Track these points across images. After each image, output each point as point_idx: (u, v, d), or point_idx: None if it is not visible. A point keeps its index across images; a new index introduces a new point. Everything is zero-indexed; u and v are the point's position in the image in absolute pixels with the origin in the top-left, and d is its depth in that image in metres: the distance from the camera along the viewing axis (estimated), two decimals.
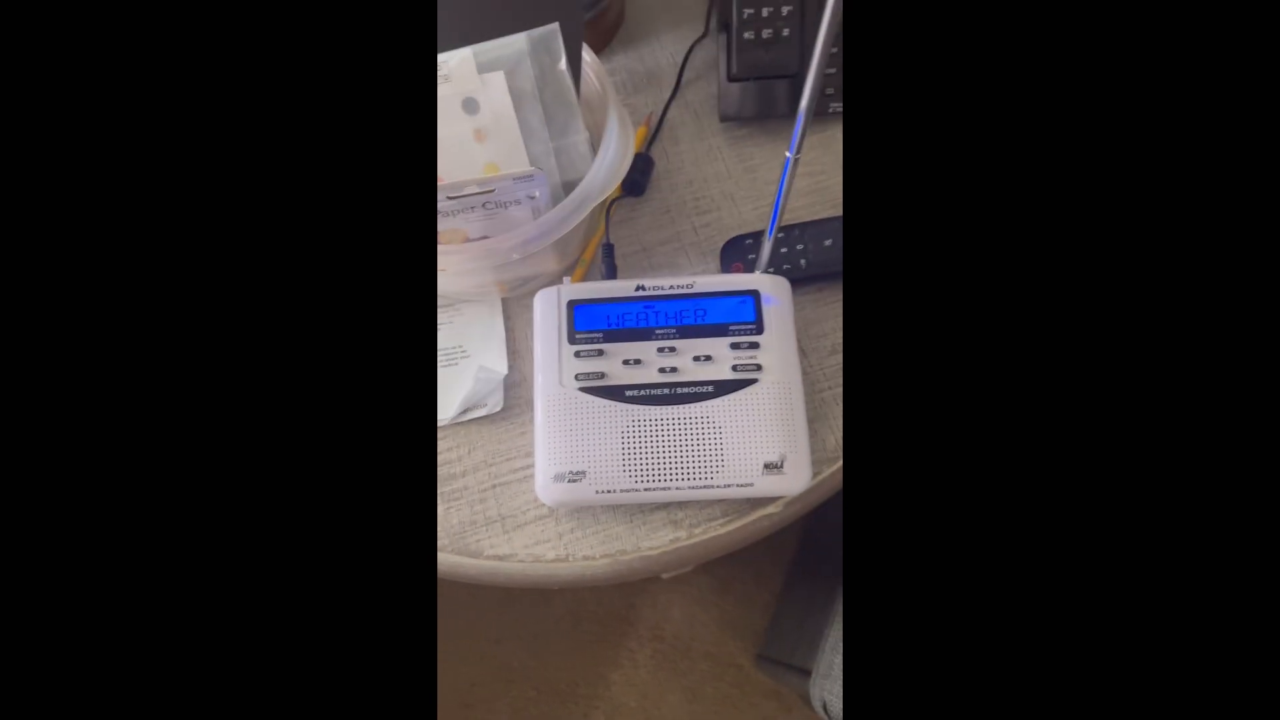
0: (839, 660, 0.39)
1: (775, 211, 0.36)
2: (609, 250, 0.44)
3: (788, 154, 0.31)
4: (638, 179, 0.48)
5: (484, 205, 0.37)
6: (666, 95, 0.53)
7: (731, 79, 0.49)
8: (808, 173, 0.50)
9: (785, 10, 0.47)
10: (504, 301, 0.45)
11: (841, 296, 0.45)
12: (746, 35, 0.47)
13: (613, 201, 0.48)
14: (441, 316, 0.45)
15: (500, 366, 0.43)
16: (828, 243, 0.44)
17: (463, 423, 0.42)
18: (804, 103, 0.29)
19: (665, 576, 0.93)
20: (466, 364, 0.43)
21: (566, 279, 0.42)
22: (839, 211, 0.47)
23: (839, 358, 0.44)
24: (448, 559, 0.39)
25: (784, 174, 0.33)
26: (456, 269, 0.39)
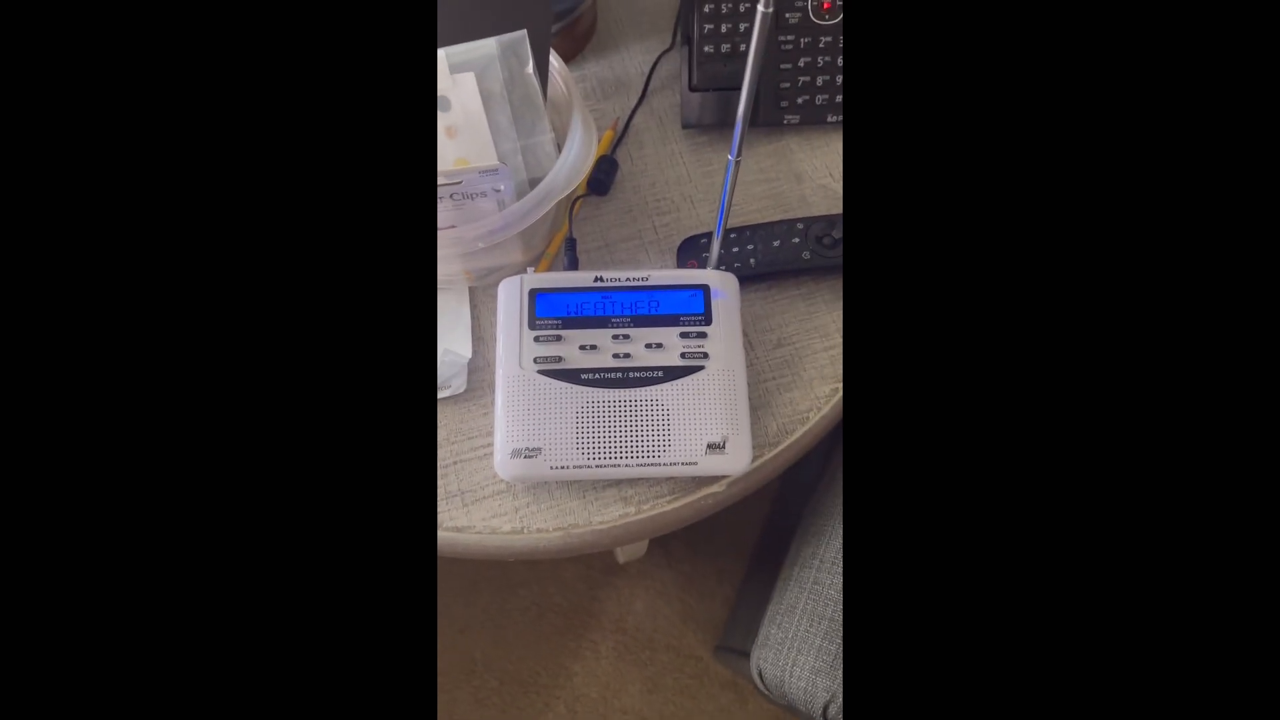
0: (775, 630, 0.42)
1: (722, 210, 0.39)
2: (571, 244, 0.47)
3: (730, 156, 0.35)
4: (602, 179, 0.51)
5: (451, 196, 0.40)
6: (633, 102, 0.56)
7: (692, 89, 0.52)
8: (763, 179, 0.53)
9: (743, 27, 0.50)
10: (471, 290, 0.48)
11: (789, 294, 0.48)
12: (707, 49, 0.50)
13: (578, 199, 0.50)
14: None
15: (465, 350, 0.45)
16: (776, 244, 0.47)
17: None
18: (741, 109, 0.32)
19: (621, 560, 0.95)
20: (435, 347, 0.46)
21: (530, 269, 0.45)
22: (789, 215, 0.50)
23: (784, 350, 0.47)
24: None
25: (727, 175, 0.36)
26: None
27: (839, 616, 0.39)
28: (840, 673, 0.37)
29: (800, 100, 0.53)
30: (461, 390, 0.44)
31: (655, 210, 0.52)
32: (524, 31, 0.41)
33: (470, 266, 0.46)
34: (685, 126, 0.54)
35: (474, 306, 0.47)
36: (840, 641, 0.38)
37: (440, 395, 0.44)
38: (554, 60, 0.46)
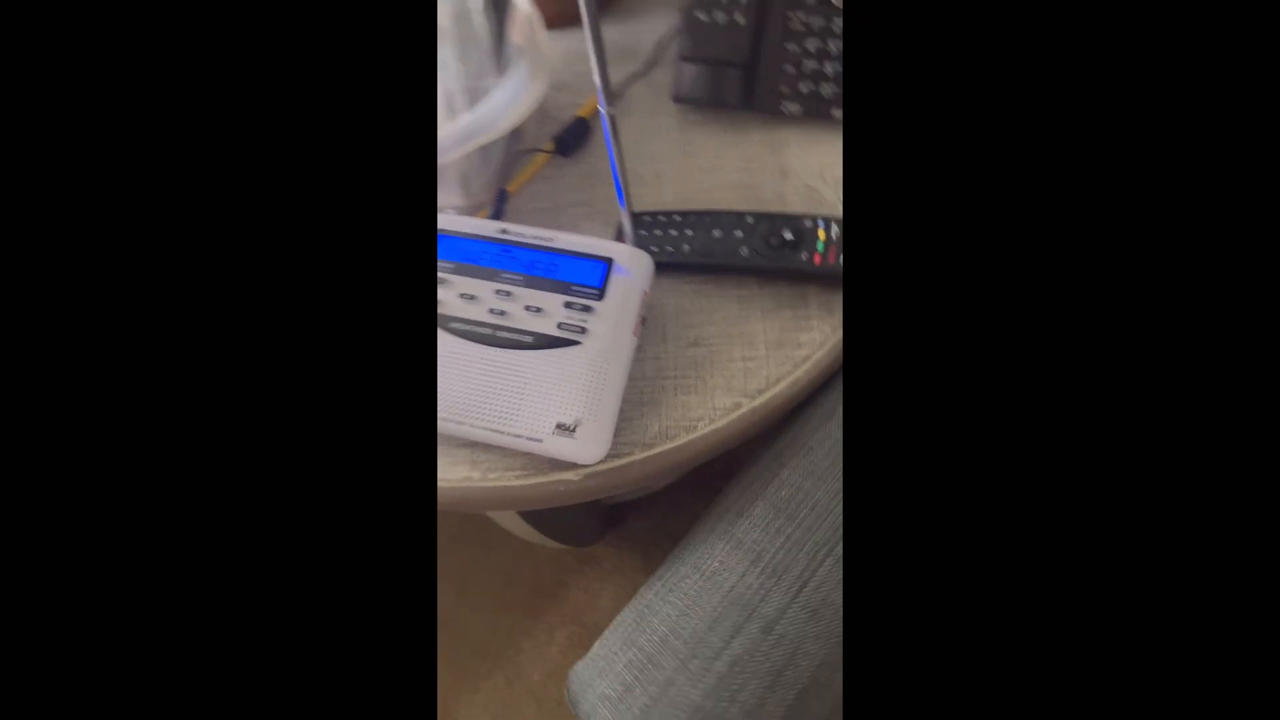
0: (599, 644, 0.38)
1: (616, 179, 0.35)
2: (502, 195, 0.45)
3: (600, 109, 0.31)
4: (568, 140, 0.49)
5: None
6: (632, 70, 0.53)
7: (682, 59, 0.48)
8: (744, 168, 0.48)
9: None
10: None
11: (725, 293, 0.43)
12: (699, 15, 0.46)
13: (531, 152, 0.48)
14: None
15: None
16: (716, 234, 0.43)
17: None
18: (592, 58, 0.29)
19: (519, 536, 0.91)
20: None
21: (452, 212, 0.43)
22: (762, 209, 0.45)
23: (697, 351, 0.42)
24: None
25: (605, 131, 0.32)
26: None
27: (651, 648, 0.34)
28: (625, 706, 0.33)
29: (804, 89, 0.47)
30: None
31: None
32: None
33: None
34: (675, 99, 0.50)
35: None
36: (637, 674, 0.33)
37: None
38: (524, 5, 0.44)
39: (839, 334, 0.42)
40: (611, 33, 0.56)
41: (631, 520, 0.97)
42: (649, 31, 0.56)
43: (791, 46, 0.46)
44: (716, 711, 0.31)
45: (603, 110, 0.31)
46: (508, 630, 0.93)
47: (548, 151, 0.49)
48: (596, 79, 0.30)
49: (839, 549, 0.35)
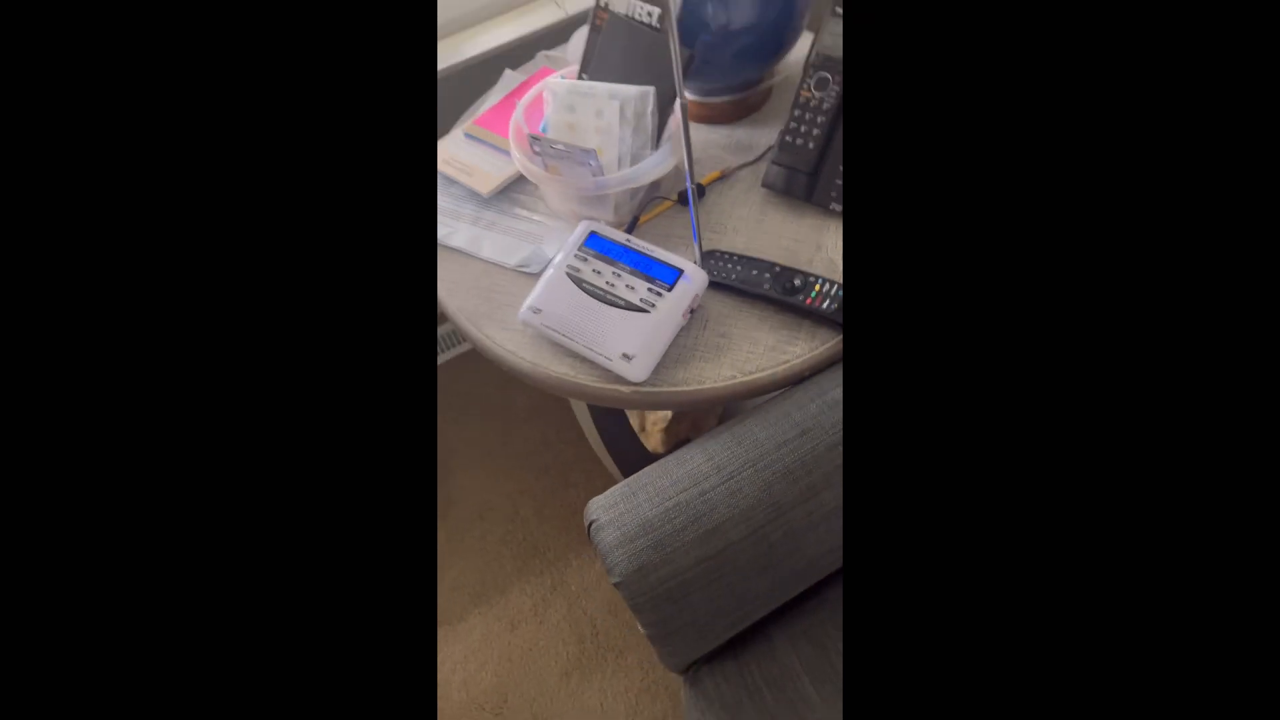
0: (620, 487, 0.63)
1: (694, 225, 0.61)
2: (634, 220, 0.73)
3: (688, 183, 0.57)
4: (687, 196, 0.76)
5: (565, 159, 0.68)
6: (745, 160, 0.79)
7: (773, 162, 0.73)
8: (792, 238, 0.72)
9: (815, 132, 0.70)
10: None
11: (750, 311, 0.68)
12: (787, 138, 0.72)
13: (661, 198, 0.76)
14: (542, 217, 0.78)
15: (550, 252, 0.74)
16: (753, 272, 0.67)
17: (515, 271, 0.74)
18: (685, 158, 0.55)
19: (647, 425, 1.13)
20: (536, 244, 0.75)
21: (602, 223, 0.72)
22: (792, 265, 0.69)
23: (720, 340, 0.66)
24: (462, 323, 0.72)
25: (689, 196, 0.58)
26: (550, 189, 0.71)
27: (634, 486, 0.59)
28: (617, 510, 0.58)
29: None
30: (536, 272, 0.73)
31: (711, 229, 0.75)
32: (652, 88, 0.68)
33: (579, 210, 0.75)
34: (764, 185, 0.75)
35: (572, 233, 0.76)
36: (620, 498, 0.58)
37: (523, 270, 0.74)
38: (679, 111, 0.72)
39: (814, 353, 0.65)
40: (741, 132, 0.82)
41: None
42: (765, 137, 0.81)
43: (842, 167, 0.70)
44: (656, 524, 0.56)
45: (689, 186, 0.57)
46: (564, 547, 1.20)
47: (671, 201, 0.76)
48: (686, 167, 0.56)
49: (760, 463, 0.57)
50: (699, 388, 0.64)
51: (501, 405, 1.33)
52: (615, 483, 1.13)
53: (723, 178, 0.78)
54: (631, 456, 1.05)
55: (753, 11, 0.70)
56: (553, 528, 1.21)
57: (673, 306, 0.64)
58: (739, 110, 0.83)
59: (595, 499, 0.62)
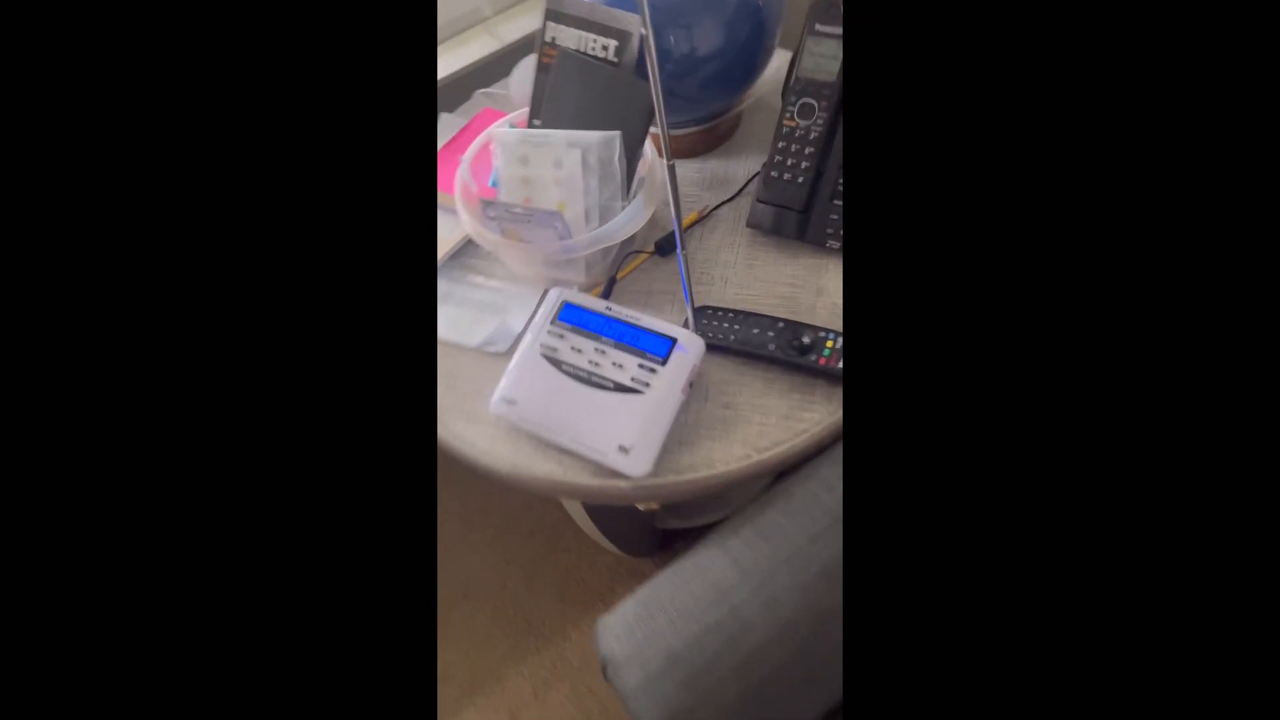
0: (631, 597, 0.54)
1: (684, 287, 0.53)
2: (612, 281, 0.64)
3: (677, 251, 0.49)
4: (666, 246, 0.67)
5: (526, 222, 0.59)
6: (724, 197, 0.71)
7: (758, 200, 0.65)
8: (789, 284, 0.64)
9: (804, 164, 0.62)
10: (545, 291, 0.67)
11: (754, 373, 0.59)
12: (773, 173, 0.64)
13: (637, 252, 0.67)
14: (502, 284, 0.68)
15: (517, 327, 0.65)
16: (754, 330, 0.59)
17: (478, 351, 0.65)
18: (675, 221, 0.46)
19: (642, 507, 1.05)
20: (500, 317, 0.66)
21: (576, 288, 0.62)
22: (791, 318, 0.61)
23: (726, 412, 0.58)
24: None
25: (679, 262, 0.50)
26: (510, 255, 0.62)
27: (653, 607, 0.50)
28: (635, 641, 0.48)
29: (843, 231, 0.63)
30: (503, 350, 0.64)
31: (697, 280, 0.66)
32: (618, 133, 0.59)
33: (545, 274, 0.66)
34: (749, 225, 0.67)
35: (540, 302, 0.67)
36: (637, 621, 0.49)
37: (489, 349, 0.64)
38: (650, 152, 0.63)
39: (834, 417, 0.57)
40: (714, 164, 0.74)
41: (679, 545, 1.12)
42: (742, 168, 0.73)
43: (837, 201, 0.63)
44: (686, 656, 0.47)
45: (679, 253, 0.49)
46: (560, 618, 1.10)
47: (649, 252, 0.67)
48: (676, 234, 0.47)
49: (794, 562, 0.49)
50: (710, 473, 0.56)
51: (473, 470, 1.22)
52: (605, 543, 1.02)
53: (701, 220, 0.70)
54: (620, 527, 0.96)
55: (719, 36, 0.62)
56: (545, 599, 1.11)
57: (669, 383, 0.56)
58: (709, 141, 0.75)
59: (605, 621, 0.53)
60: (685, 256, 0.50)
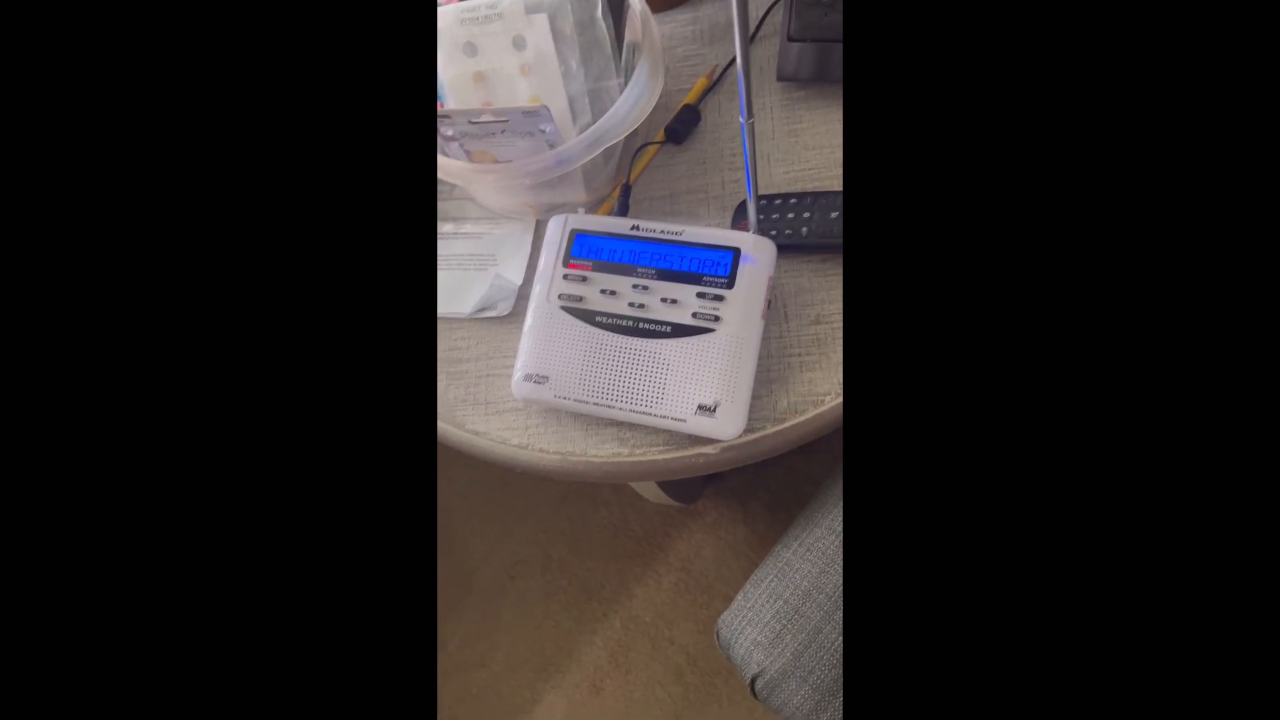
0: (742, 597, 0.43)
1: (748, 174, 0.38)
2: (626, 189, 0.48)
3: (741, 119, 0.33)
4: (679, 129, 0.51)
5: (502, 133, 0.43)
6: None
7: (789, 39, 0.49)
8: (836, 145, 0.49)
9: None
10: (537, 223, 0.51)
11: (837, 270, 0.46)
12: None
13: (648, 146, 0.51)
14: (480, 228, 0.52)
15: (516, 278, 0.49)
16: (834, 214, 0.44)
17: (476, 319, 0.50)
18: (740, 63, 0.31)
19: (651, 499, 0.96)
20: (491, 271, 0.50)
21: (581, 210, 0.47)
22: None
23: (818, 328, 0.45)
24: (440, 426, 0.48)
25: (743, 139, 0.35)
26: (484, 185, 0.45)
27: (795, 600, 0.39)
28: (778, 650, 0.37)
29: None
30: (506, 313, 0.49)
31: (728, 165, 0.51)
32: None
33: (534, 201, 0.50)
34: (780, 79, 0.51)
35: (537, 239, 0.51)
36: (785, 623, 0.38)
37: (488, 314, 0.49)
38: (637, 4, 0.46)
39: None
40: (711, 10, 0.57)
41: (729, 474, 1.02)
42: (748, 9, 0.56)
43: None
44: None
45: (743, 121, 0.33)
46: (619, 576, 1.01)
47: (659, 142, 0.51)
48: (741, 95, 0.32)
49: None
50: (818, 412, 0.43)
51: (511, 469, 1.09)
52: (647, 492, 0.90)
53: (712, 85, 0.53)
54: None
55: None
56: (597, 561, 1.02)
57: (745, 310, 0.41)
58: None
59: (724, 619, 0.41)
60: (752, 142, 0.34)
